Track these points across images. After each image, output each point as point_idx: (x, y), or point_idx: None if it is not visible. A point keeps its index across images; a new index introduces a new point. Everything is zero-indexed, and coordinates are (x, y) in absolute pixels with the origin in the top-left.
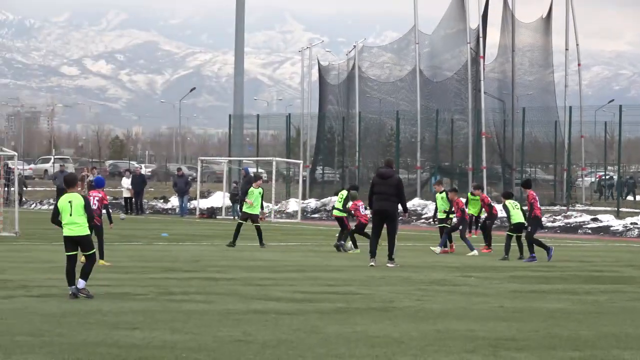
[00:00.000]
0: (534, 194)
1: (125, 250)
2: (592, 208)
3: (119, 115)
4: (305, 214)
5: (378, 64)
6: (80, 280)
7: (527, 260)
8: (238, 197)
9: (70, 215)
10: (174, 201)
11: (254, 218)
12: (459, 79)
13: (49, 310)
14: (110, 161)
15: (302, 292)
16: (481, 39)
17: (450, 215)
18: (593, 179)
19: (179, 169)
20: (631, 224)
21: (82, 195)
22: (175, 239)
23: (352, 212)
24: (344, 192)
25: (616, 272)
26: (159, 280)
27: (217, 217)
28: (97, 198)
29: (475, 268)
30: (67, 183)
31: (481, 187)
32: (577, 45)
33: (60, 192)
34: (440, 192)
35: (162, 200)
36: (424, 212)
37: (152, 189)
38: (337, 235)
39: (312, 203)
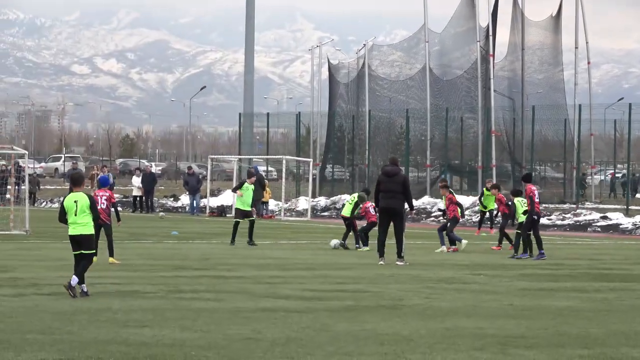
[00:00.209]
0: (533, 188)
1: (135, 249)
2: (601, 206)
3: (130, 113)
4: (315, 212)
5: (388, 63)
6: (73, 277)
7: (536, 258)
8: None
9: (75, 214)
10: (184, 199)
11: (247, 214)
12: (468, 77)
13: (59, 308)
14: (121, 160)
15: (311, 290)
16: (491, 37)
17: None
18: (602, 177)
19: (190, 167)
20: None
21: (87, 195)
22: (185, 237)
23: (363, 215)
24: (355, 196)
25: (625, 270)
26: (169, 278)
27: (227, 215)
28: (104, 197)
29: (484, 266)
30: (73, 182)
31: (499, 187)
32: (587, 43)
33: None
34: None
35: (172, 199)
36: (433, 210)
37: (162, 187)
38: (343, 234)
39: (322, 201)
